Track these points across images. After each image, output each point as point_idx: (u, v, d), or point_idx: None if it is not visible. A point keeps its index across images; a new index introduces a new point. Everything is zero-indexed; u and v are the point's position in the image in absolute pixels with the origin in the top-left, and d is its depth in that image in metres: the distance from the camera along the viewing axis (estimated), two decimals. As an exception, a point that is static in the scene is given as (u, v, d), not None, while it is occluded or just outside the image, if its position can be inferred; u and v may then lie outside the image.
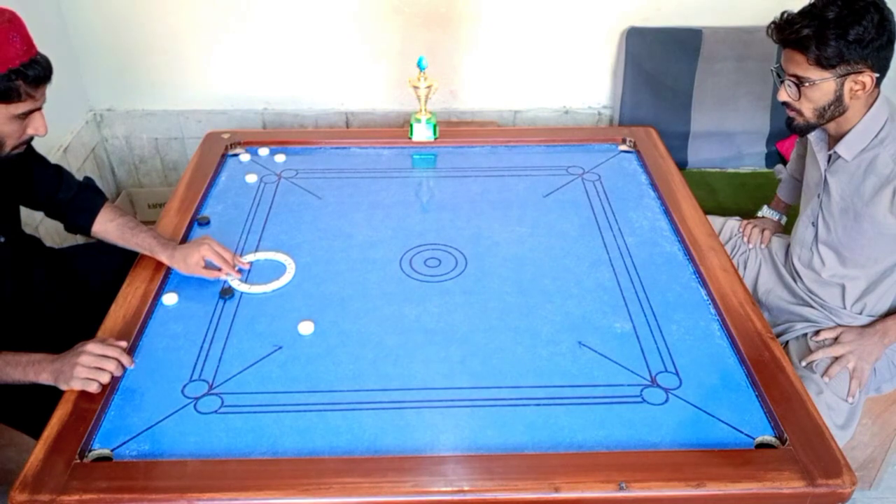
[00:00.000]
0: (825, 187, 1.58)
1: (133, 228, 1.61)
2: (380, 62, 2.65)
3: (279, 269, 1.57)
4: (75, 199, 1.63)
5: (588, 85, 2.73)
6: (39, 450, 1.13)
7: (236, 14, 2.54)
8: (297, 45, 2.61)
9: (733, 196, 2.46)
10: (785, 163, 2.62)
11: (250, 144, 2.03)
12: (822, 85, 1.43)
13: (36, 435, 1.17)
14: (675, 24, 2.57)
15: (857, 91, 1.43)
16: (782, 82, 1.49)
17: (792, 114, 1.52)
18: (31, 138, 1.44)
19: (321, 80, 2.68)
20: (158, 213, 1.75)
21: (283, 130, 2.64)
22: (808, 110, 1.48)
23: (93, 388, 1.24)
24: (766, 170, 2.65)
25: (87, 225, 1.63)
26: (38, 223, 2.04)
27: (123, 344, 1.32)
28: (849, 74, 1.41)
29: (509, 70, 2.68)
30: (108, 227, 1.62)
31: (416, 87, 1.93)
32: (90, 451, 1.15)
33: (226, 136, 2.05)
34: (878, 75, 1.42)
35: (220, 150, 1.98)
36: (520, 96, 2.74)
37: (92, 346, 1.29)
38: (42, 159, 1.63)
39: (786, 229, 1.92)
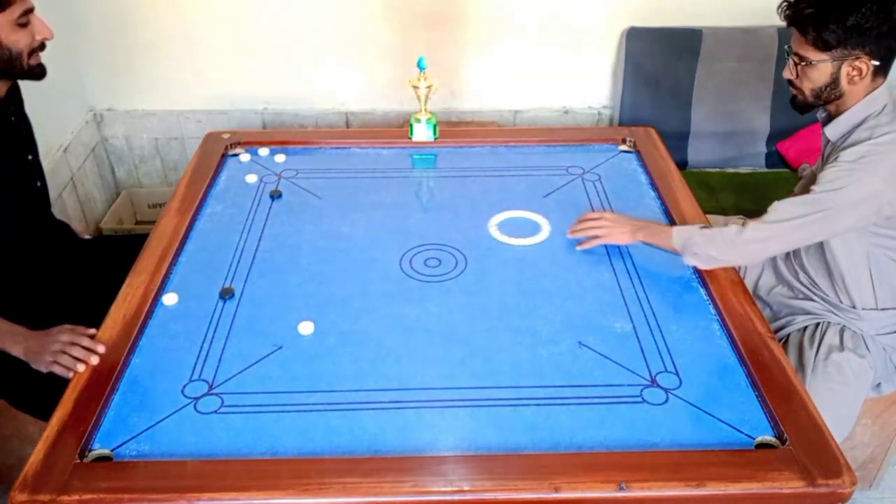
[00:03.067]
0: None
1: None
2: (380, 62, 2.65)
3: (533, 226, 1.68)
4: None
5: (588, 85, 2.73)
6: (39, 450, 1.13)
7: (236, 14, 2.55)
8: (297, 45, 2.61)
9: (733, 196, 2.45)
10: (785, 163, 2.63)
11: (250, 144, 2.02)
12: (820, 66, 1.45)
13: (46, 417, 1.18)
14: (675, 24, 2.57)
15: (853, 76, 1.44)
16: (789, 58, 1.51)
17: (794, 91, 1.54)
18: (43, 46, 1.50)
19: (321, 80, 2.68)
20: (158, 213, 1.75)
21: (283, 130, 2.64)
22: (806, 89, 1.50)
23: (59, 371, 1.30)
24: (766, 170, 2.65)
25: None
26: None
27: (92, 331, 1.35)
28: (846, 59, 1.42)
29: (509, 70, 2.68)
30: None
31: (416, 87, 1.93)
32: (90, 451, 1.15)
33: (226, 136, 2.05)
34: (877, 63, 1.42)
35: (220, 150, 1.98)
36: (520, 96, 2.74)
37: (66, 336, 1.33)
38: None
39: None
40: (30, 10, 1.47)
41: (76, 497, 1.06)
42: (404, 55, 2.57)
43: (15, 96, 1.61)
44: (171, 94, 2.70)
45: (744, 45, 2.54)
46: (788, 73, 1.52)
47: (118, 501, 1.07)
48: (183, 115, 2.73)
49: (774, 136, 2.63)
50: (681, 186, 1.82)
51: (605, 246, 1.62)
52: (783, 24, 1.49)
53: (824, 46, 1.42)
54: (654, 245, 1.56)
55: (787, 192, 1.93)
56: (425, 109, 1.99)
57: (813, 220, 1.44)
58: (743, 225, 1.48)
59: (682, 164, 2.58)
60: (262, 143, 2.03)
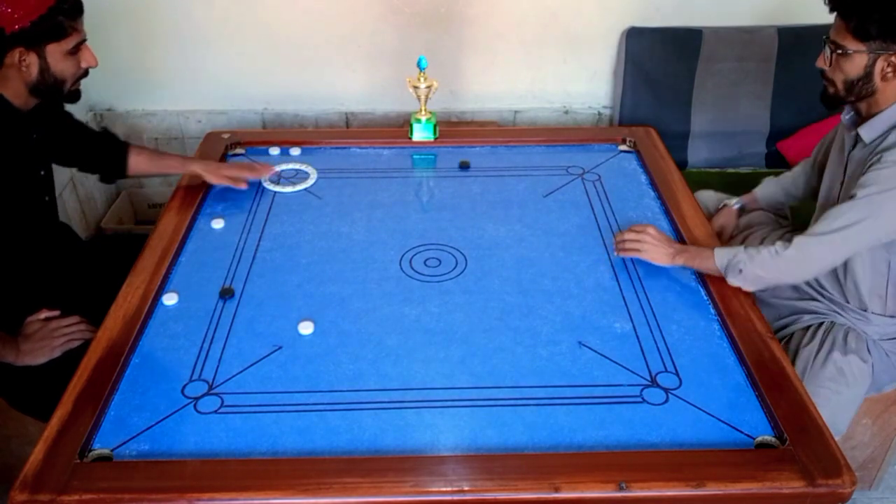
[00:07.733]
0: (842, 188, 1.56)
1: (161, 155, 1.86)
2: (380, 62, 2.65)
3: (303, 175, 1.88)
4: (103, 148, 1.76)
5: (588, 85, 2.73)
6: (39, 450, 1.13)
7: (236, 14, 2.54)
8: (297, 45, 2.61)
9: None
10: (785, 163, 2.62)
11: (250, 144, 2.03)
12: (855, 57, 1.43)
13: (45, 418, 1.18)
14: (675, 24, 2.57)
15: (887, 73, 1.42)
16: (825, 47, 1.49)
17: (826, 83, 1.52)
18: (87, 73, 1.56)
19: (321, 80, 2.68)
20: (158, 213, 1.75)
21: (283, 130, 2.64)
22: (839, 81, 1.48)
23: (73, 344, 1.47)
24: (766, 170, 2.64)
25: (122, 168, 1.76)
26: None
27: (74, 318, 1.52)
28: (882, 53, 1.40)
29: (509, 70, 2.68)
30: (138, 160, 1.79)
31: (416, 87, 1.93)
32: (90, 451, 1.15)
33: (226, 136, 2.05)
34: None
35: (220, 150, 1.98)
36: (520, 96, 2.74)
37: (49, 324, 1.48)
38: (69, 114, 1.74)
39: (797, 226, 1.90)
40: (83, 41, 1.49)
41: (76, 497, 1.06)
42: (404, 55, 2.57)
43: (42, 114, 1.61)
44: (171, 94, 2.70)
45: (744, 45, 2.54)
46: (822, 63, 1.49)
47: (118, 501, 1.07)
48: (183, 115, 2.73)
49: (774, 136, 2.63)
50: (681, 186, 1.82)
51: (605, 245, 1.63)
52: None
53: (864, 36, 1.40)
54: (696, 268, 1.50)
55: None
56: (425, 109, 2.00)
57: (866, 226, 1.39)
58: (789, 240, 1.43)
59: (682, 164, 2.58)
60: (262, 143, 2.03)
